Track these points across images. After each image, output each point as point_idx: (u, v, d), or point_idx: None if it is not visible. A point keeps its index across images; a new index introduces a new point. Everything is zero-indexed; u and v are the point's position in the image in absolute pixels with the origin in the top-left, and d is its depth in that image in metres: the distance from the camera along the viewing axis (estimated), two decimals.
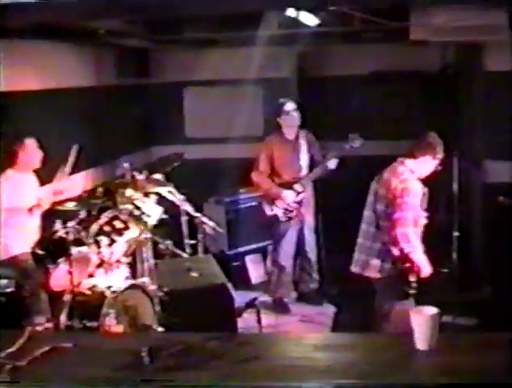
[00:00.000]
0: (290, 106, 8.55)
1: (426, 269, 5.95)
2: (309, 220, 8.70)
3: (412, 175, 6.06)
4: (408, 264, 5.87)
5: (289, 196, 8.42)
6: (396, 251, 5.90)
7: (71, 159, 7.51)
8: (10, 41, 7.28)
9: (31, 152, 7.29)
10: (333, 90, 10.82)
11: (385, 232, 6.01)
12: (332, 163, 8.30)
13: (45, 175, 7.69)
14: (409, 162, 6.13)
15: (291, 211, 8.45)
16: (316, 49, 10.71)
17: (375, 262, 6.10)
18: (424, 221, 6.19)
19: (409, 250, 5.81)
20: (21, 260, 6.96)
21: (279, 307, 8.71)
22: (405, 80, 10.92)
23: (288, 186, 8.47)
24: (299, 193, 8.45)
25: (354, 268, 6.33)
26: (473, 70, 9.29)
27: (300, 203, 8.48)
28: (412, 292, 5.89)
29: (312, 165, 8.62)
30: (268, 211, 8.57)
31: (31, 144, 7.27)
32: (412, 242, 5.82)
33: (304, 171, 8.62)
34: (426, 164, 6.14)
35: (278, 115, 8.59)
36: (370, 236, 6.18)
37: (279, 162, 8.56)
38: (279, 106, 8.60)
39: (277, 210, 8.48)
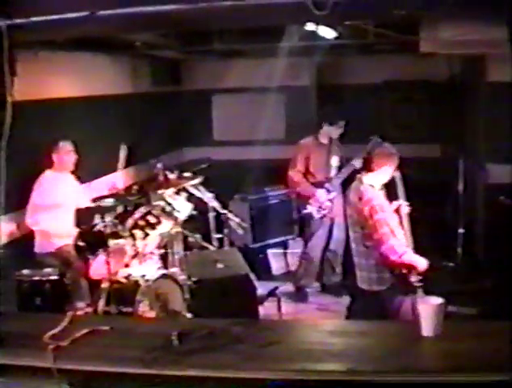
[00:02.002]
0: (342, 124, 8.56)
1: (422, 264, 5.80)
2: (339, 217, 8.69)
3: (373, 191, 5.85)
4: (404, 269, 5.76)
5: (322, 195, 8.43)
6: (389, 263, 5.75)
7: (122, 157, 7.61)
8: (54, 52, 7.34)
9: (65, 154, 7.31)
10: (348, 97, 10.81)
11: (373, 250, 5.79)
12: (358, 163, 8.31)
13: (86, 174, 7.77)
14: (366, 178, 5.91)
15: (325, 209, 8.46)
16: (334, 60, 10.71)
17: (375, 276, 5.87)
18: (405, 212, 6.08)
19: (400, 259, 5.65)
20: (63, 251, 7.02)
21: (299, 296, 8.73)
22: (415, 88, 10.91)
23: (321, 185, 8.50)
24: (330, 192, 8.48)
25: (361, 285, 6.05)
26: (477, 80, 9.25)
27: (331, 201, 8.49)
28: (418, 285, 5.81)
29: (340, 167, 8.66)
30: (303, 209, 8.58)
31: (65, 147, 7.30)
32: (399, 251, 5.59)
33: (334, 172, 8.65)
34: (385, 173, 5.92)
35: (330, 124, 8.57)
36: (362, 255, 5.95)
37: (314, 163, 8.57)
38: (336, 120, 8.58)
39: (311, 208, 8.48)
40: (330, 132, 8.57)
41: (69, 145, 7.33)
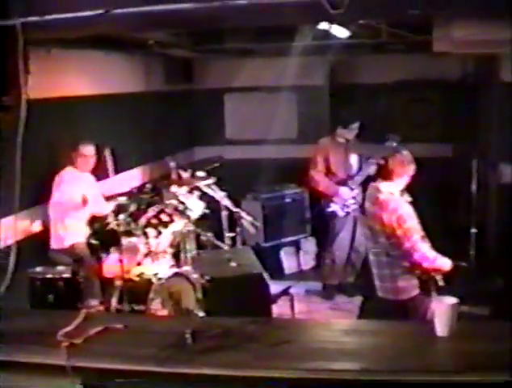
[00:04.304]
0: (355, 126, 8.68)
1: (447, 265, 5.73)
2: (361, 215, 8.74)
3: (394, 198, 5.63)
4: (434, 272, 5.65)
5: (346, 192, 8.51)
6: (421, 270, 5.63)
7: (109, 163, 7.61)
8: (67, 50, 7.35)
9: (85, 157, 7.33)
10: (361, 96, 10.78)
11: (400, 259, 5.56)
12: (372, 169, 8.37)
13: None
14: (384, 186, 5.68)
15: (349, 206, 8.50)
16: (347, 59, 10.68)
17: (403, 285, 5.62)
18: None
19: (432, 265, 5.55)
20: (77, 249, 7.03)
21: (326, 293, 8.86)
22: (428, 88, 10.86)
23: (342, 184, 8.58)
24: (353, 190, 8.54)
25: (384, 295, 5.80)
26: (490, 80, 9.22)
27: (354, 198, 8.53)
28: (441, 284, 5.70)
29: (360, 165, 8.78)
30: (327, 208, 8.62)
31: (85, 149, 7.32)
32: (431, 257, 5.51)
33: (355, 170, 8.76)
34: (402, 181, 5.73)
35: (343, 127, 8.67)
36: (385, 265, 5.70)
37: (333, 162, 8.66)
38: (348, 122, 8.68)
39: (335, 207, 8.53)
40: (345, 133, 8.63)
41: (91, 148, 7.36)
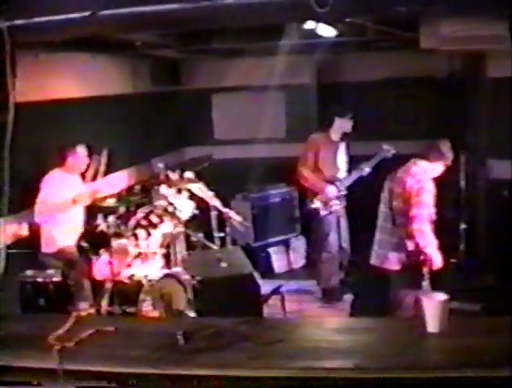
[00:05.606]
0: (352, 115, 8.65)
1: (438, 262, 5.87)
2: (344, 217, 8.71)
3: (425, 175, 6.00)
4: (422, 257, 5.80)
5: (332, 191, 8.44)
6: (411, 245, 5.82)
7: (103, 161, 7.57)
8: (54, 53, 7.33)
9: (80, 158, 7.34)
10: (349, 94, 10.79)
11: (402, 227, 5.92)
12: (366, 171, 8.35)
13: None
14: (421, 163, 6.07)
15: (331, 206, 8.47)
16: (334, 57, 10.69)
17: (393, 255, 6.01)
18: (433, 217, 6.14)
19: (424, 245, 5.73)
20: (67, 252, 7.02)
21: (330, 296, 8.71)
22: (416, 85, 10.88)
23: (330, 182, 8.50)
24: (340, 190, 8.50)
25: (374, 261, 6.28)
26: (478, 76, 9.25)
27: (339, 198, 8.51)
28: (425, 282, 5.81)
29: (350, 167, 8.73)
30: (310, 204, 8.60)
31: (81, 151, 7.32)
32: (426, 238, 5.74)
33: (342, 171, 8.68)
34: (437, 168, 6.10)
35: (340, 117, 8.56)
36: (387, 231, 6.10)
37: (322, 160, 8.56)
38: (346, 112, 8.63)
39: (318, 204, 8.49)
40: (342, 125, 8.53)
41: (84, 150, 7.36)
